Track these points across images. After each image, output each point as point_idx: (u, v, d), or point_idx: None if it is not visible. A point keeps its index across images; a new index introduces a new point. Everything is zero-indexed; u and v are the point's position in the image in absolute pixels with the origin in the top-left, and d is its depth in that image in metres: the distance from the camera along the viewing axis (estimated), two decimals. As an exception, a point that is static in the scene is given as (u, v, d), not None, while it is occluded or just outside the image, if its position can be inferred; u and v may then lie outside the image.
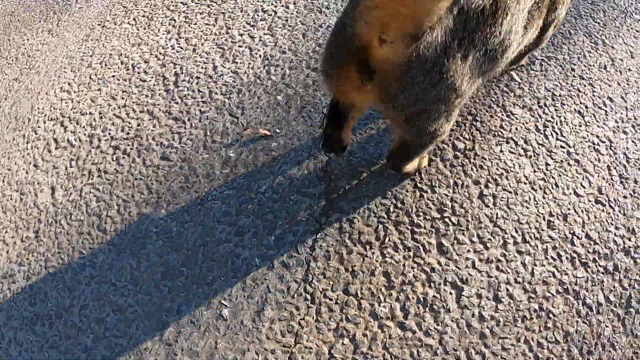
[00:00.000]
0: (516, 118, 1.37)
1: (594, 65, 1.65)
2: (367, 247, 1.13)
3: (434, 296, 1.08)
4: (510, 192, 1.22)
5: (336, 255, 1.12)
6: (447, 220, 1.17)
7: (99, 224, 1.23)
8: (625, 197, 1.29)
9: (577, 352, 1.05)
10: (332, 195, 1.19)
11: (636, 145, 1.42)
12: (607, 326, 1.08)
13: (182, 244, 1.16)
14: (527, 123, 1.36)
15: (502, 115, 1.37)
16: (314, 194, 1.19)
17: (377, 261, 1.11)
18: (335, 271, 1.10)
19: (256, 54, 1.50)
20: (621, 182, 1.31)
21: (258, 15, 1.63)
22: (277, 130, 1.31)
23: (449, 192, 1.22)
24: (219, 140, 1.32)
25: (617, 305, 1.11)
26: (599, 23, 1.90)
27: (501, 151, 1.29)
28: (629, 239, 1.21)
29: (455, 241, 1.14)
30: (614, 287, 1.14)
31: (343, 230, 1.15)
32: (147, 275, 1.14)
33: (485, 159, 1.27)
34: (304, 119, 1.33)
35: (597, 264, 1.16)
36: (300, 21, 1.59)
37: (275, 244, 1.14)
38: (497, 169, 1.26)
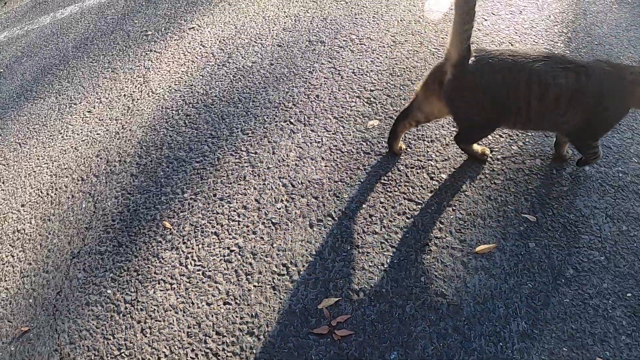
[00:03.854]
0: (165, 260, 2.20)
1: (234, 182, 2.42)
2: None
3: None
4: (160, 321, 2.05)
5: None
6: None
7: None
8: (249, 290, 1.95)
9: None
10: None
11: (263, 240, 2.14)
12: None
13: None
14: (173, 262, 2.19)
15: (155, 262, 2.20)
16: (55, 362, 2.06)
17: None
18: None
19: (16, 270, 2.35)
20: (247, 279, 2.00)
21: (15, 235, 2.46)
22: (32, 325, 2.17)
23: (123, 335, 2.07)
24: (1, 343, 2.18)
25: None
26: (247, 134, 2.63)
27: (154, 292, 2.13)
28: (252, 323, 1.87)
29: None
30: None
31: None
32: None
33: (144, 303, 2.11)
34: (45, 312, 2.18)
35: (225, 351, 1.84)
36: (38, 233, 2.42)
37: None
38: (150, 307, 2.10)
